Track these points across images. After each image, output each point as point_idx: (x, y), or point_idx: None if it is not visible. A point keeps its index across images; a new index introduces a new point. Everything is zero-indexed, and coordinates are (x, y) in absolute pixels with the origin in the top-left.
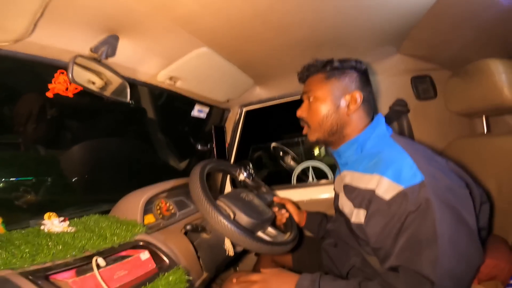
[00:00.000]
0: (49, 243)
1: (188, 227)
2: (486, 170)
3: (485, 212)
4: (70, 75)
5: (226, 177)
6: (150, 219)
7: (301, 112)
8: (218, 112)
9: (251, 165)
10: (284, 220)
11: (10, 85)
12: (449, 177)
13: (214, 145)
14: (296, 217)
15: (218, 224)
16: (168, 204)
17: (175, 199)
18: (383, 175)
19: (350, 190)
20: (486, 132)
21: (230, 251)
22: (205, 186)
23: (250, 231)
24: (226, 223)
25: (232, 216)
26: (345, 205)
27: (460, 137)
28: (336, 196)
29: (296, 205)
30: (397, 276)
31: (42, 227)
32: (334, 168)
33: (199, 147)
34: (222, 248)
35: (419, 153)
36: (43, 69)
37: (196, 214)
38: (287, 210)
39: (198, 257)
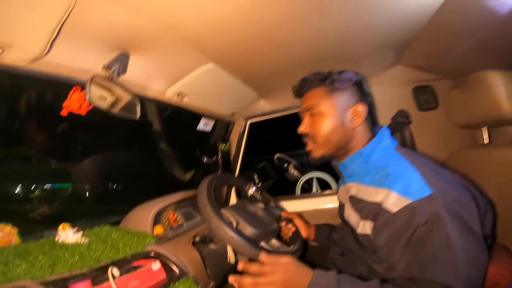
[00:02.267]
0: (66, 254)
1: (197, 238)
2: (488, 180)
3: (489, 220)
4: (88, 96)
5: (231, 189)
6: (158, 230)
7: (304, 128)
8: (223, 126)
9: (256, 177)
10: (290, 234)
11: (26, 101)
12: (457, 190)
13: (219, 157)
14: (304, 232)
15: (220, 231)
16: (176, 215)
17: (183, 211)
18: (391, 189)
19: (356, 202)
20: (488, 143)
21: (232, 259)
22: (212, 196)
23: (252, 240)
24: (228, 230)
25: (235, 224)
26: (351, 216)
27: (462, 148)
28: (341, 206)
29: (305, 220)
30: (412, 284)
31: (56, 238)
32: (338, 178)
33: (205, 159)
34: (229, 259)
35: (426, 166)
36: (57, 87)
37: (202, 225)
38: (294, 225)
39: (206, 267)
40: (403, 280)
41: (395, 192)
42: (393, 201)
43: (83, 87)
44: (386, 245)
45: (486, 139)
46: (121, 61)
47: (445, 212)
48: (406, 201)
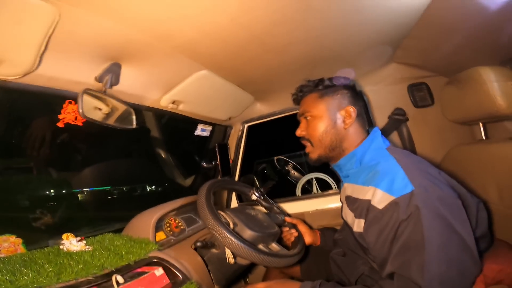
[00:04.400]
0: (71, 262)
1: (198, 243)
2: (486, 176)
3: (483, 220)
4: (80, 110)
5: (232, 193)
6: (161, 236)
7: (300, 132)
8: (220, 130)
9: (256, 180)
10: (292, 239)
11: (23, 115)
12: (441, 188)
13: (218, 162)
14: (309, 238)
15: (216, 231)
16: (177, 221)
17: (184, 216)
18: (377, 187)
19: (351, 202)
20: (485, 138)
21: (231, 259)
22: (210, 198)
23: (249, 242)
24: (224, 231)
25: (232, 225)
26: (348, 215)
27: (459, 144)
28: (342, 206)
29: (308, 224)
30: (392, 283)
31: (61, 247)
32: (337, 179)
33: (204, 164)
34: (228, 260)
35: (412, 165)
36: (52, 99)
37: (204, 229)
38: (297, 230)
39: (209, 271)
40: (385, 281)
41: (381, 190)
42: (379, 198)
43: (76, 99)
44: (376, 241)
45: (482, 135)
46: (113, 72)
47: (424, 209)
48: (390, 198)
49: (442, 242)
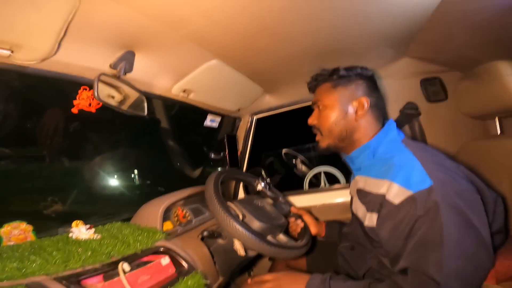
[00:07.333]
0: (79, 250)
1: (205, 233)
2: (500, 171)
3: (500, 215)
4: (96, 94)
5: (240, 184)
6: (168, 225)
7: (312, 120)
8: (229, 121)
9: (263, 172)
10: (298, 229)
11: (38, 101)
12: (459, 182)
13: (226, 153)
14: (314, 228)
15: (226, 224)
16: (184, 211)
17: (191, 207)
18: (393, 181)
19: (363, 195)
20: (500, 133)
21: (241, 251)
22: (218, 190)
23: (258, 233)
24: (234, 223)
25: (241, 217)
26: (359, 208)
27: (473, 139)
28: (352, 199)
29: (314, 216)
30: (406, 278)
31: (70, 235)
32: (346, 172)
33: (213, 155)
34: (237, 253)
35: (429, 158)
36: (67, 85)
37: (211, 220)
38: (303, 221)
39: (214, 262)
40: (398, 276)
41: (397, 184)
42: (395, 193)
43: (91, 86)
44: (390, 237)
45: (498, 130)
46: (127, 59)
47: (443, 204)
48: (408, 193)
49: (460, 237)
